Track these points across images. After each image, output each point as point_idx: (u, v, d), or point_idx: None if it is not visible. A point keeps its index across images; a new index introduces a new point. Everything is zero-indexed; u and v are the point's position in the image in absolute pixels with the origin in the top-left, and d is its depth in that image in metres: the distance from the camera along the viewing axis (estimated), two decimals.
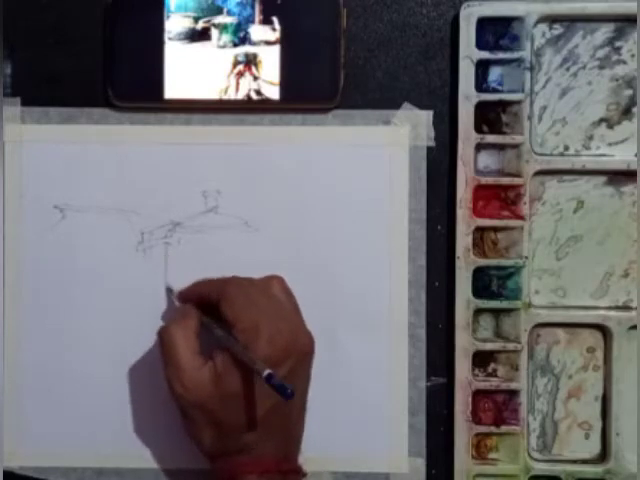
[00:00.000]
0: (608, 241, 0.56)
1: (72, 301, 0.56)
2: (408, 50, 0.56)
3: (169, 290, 0.55)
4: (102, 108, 0.56)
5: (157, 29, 0.55)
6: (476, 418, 0.55)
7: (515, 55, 0.55)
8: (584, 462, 0.56)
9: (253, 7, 0.55)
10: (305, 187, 0.56)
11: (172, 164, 0.56)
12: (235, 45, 0.55)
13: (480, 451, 0.56)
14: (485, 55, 0.54)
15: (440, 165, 0.56)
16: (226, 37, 0.55)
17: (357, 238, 0.56)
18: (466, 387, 0.55)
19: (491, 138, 0.55)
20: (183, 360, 0.50)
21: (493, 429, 0.55)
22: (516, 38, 0.55)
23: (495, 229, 0.56)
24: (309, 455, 0.54)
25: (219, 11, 0.55)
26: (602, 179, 0.56)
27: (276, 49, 0.55)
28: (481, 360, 0.56)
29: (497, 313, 0.56)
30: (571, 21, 0.55)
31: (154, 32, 0.55)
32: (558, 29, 0.56)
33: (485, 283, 0.56)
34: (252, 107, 0.55)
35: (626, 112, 0.56)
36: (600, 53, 0.55)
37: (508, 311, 0.55)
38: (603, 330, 0.56)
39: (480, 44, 0.54)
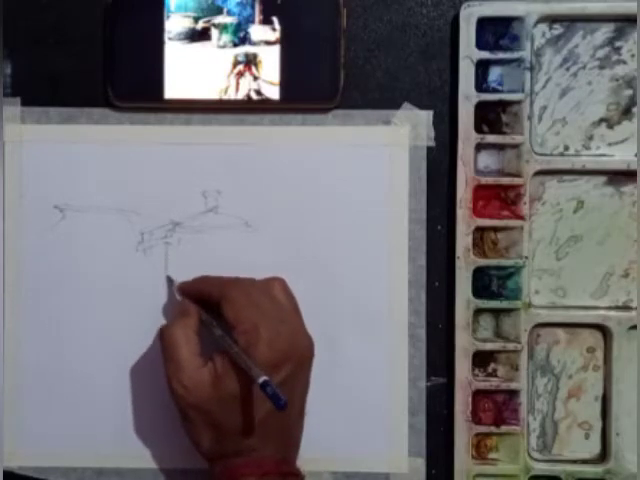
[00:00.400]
0: (608, 241, 0.56)
1: (72, 301, 0.56)
2: (408, 50, 0.56)
3: (169, 280, 0.55)
4: (102, 108, 0.56)
5: (157, 29, 0.55)
6: (476, 418, 0.55)
7: (515, 55, 0.55)
8: (584, 462, 0.56)
9: (253, 7, 0.55)
10: (305, 187, 0.56)
11: (172, 164, 0.56)
12: (235, 45, 0.55)
13: (480, 451, 0.56)
14: (485, 55, 0.54)
15: (440, 165, 0.56)
16: (226, 37, 0.55)
17: (357, 238, 0.56)
18: (466, 387, 0.55)
19: (491, 138, 0.55)
20: (183, 360, 0.50)
21: (493, 429, 0.55)
22: (516, 38, 0.55)
23: (495, 229, 0.56)
24: (309, 455, 0.54)
25: (219, 11, 0.55)
26: (602, 179, 0.56)
27: (276, 49, 0.55)
28: (481, 360, 0.56)
29: (497, 313, 0.56)
30: (571, 21, 0.55)
31: (154, 32, 0.55)
32: (558, 29, 0.56)
33: (485, 283, 0.56)
34: (252, 107, 0.55)
35: (626, 112, 0.56)
36: (600, 53, 0.55)
37: (508, 311, 0.55)
38: (603, 330, 0.56)
39: (480, 44, 0.54)
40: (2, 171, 0.55)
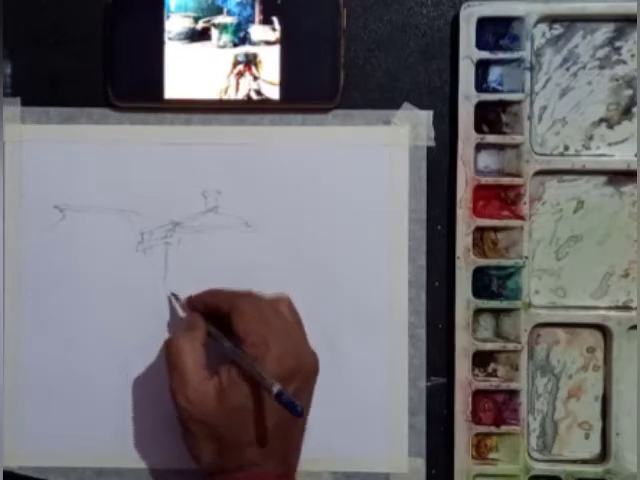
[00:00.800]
0: (608, 241, 0.56)
1: (72, 301, 0.56)
2: (408, 50, 0.56)
3: (174, 297, 0.55)
4: (102, 108, 0.56)
5: (157, 29, 0.55)
6: (476, 418, 0.55)
7: (515, 55, 0.55)
8: (584, 462, 0.56)
9: (253, 7, 0.55)
10: (305, 187, 0.56)
11: (172, 164, 0.56)
12: (235, 45, 0.55)
13: (480, 451, 0.56)
14: (485, 55, 0.54)
15: (440, 165, 0.56)
16: (226, 37, 0.55)
17: (357, 238, 0.56)
18: (466, 387, 0.55)
19: (491, 138, 0.55)
20: (189, 373, 0.49)
21: (493, 429, 0.55)
22: (516, 38, 0.55)
23: (495, 229, 0.56)
24: (309, 455, 0.54)
25: (219, 11, 0.55)
26: (602, 179, 0.56)
27: (276, 49, 0.55)
28: (481, 360, 0.56)
29: (497, 313, 0.56)
30: (571, 21, 0.55)
31: (154, 32, 0.55)
32: (558, 29, 0.56)
33: (485, 283, 0.56)
34: (252, 107, 0.55)
35: (626, 112, 0.56)
36: (600, 53, 0.55)
37: (508, 311, 0.55)
38: (603, 330, 0.56)
39: (480, 44, 0.54)
40: (2, 171, 0.55)
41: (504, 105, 0.55)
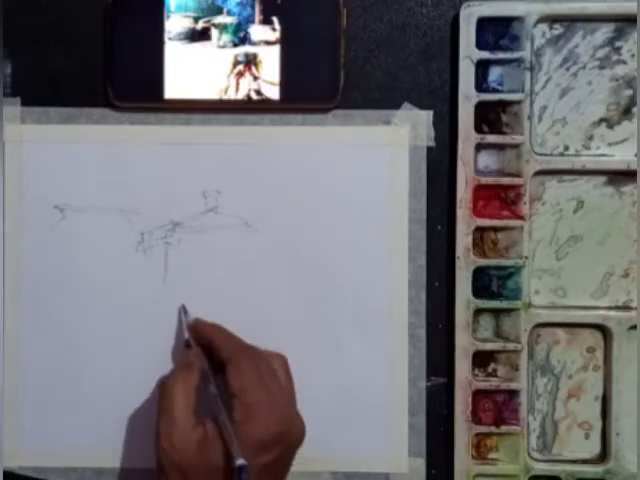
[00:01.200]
0: (608, 241, 0.56)
1: (72, 301, 0.56)
2: (408, 50, 0.56)
3: (184, 310, 0.55)
4: (102, 108, 0.56)
5: (157, 29, 0.55)
6: (476, 418, 0.55)
7: (515, 55, 0.55)
8: (584, 462, 0.56)
9: (253, 7, 0.55)
10: (305, 187, 0.56)
11: (172, 164, 0.56)
12: (235, 45, 0.55)
13: (480, 451, 0.56)
14: (485, 55, 0.54)
15: (440, 165, 0.56)
16: (226, 37, 0.55)
17: (357, 238, 0.56)
18: (466, 387, 0.55)
19: (491, 138, 0.55)
20: (178, 418, 0.48)
21: (493, 429, 0.55)
22: (516, 38, 0.55)
23: (495, 229, 0.56)
24: (309, 455, 0.54)
25: (219, 11, 0.55)
26: (602, 179, 0.56)
27: (276, 49, 0.55)
28: (481, 360, 0.56)
29: (497, 313, 0.56)
30: (571, 21, 0.55)
31: (154, 32, 0.55)
32: (558, 29, 0.56)
33: (485, 283, 0.56)
34: (252, 107, 0.55)
35: (626, 112, 0.56)
36: (600, 53, 0.55)
37: (508, 311, 0.55)
38: (603, 330, 0.56)
39: (480, 44, 0.54)
40: (2, 171, 0.55)
41: (504, 105, 0.55)
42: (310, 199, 0.56)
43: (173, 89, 0.55)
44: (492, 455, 0.56)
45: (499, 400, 0.56)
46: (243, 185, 0.56)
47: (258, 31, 0.55)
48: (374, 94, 0.56)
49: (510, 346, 0.55)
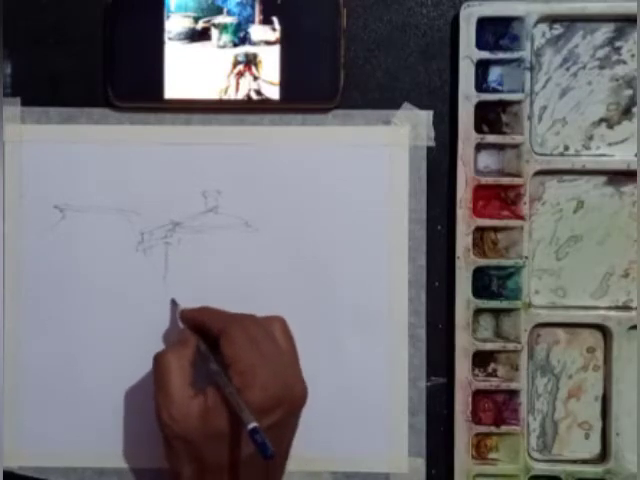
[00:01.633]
0: (608, 241, 0.56)
1: (72, 301, 0.56)
2: (408, 50, 0.56)
3: (174, 303, 0.55)
4: (102, 108, 0.56)
5: (157, 29, 0.55)
6: (476, 418, 0.55)
7: (515, 55, 0.55)
8: (584, 462, 0.56)
9: (253, 7, 0.55)
10: (305, 187, 0.56)
11: (172, 164, 0.56)
12: (235, 45, 0.55)
13: (480, 451, 0.56)
14: (485, 55, 0.54)
15: (440, 165, 0.56)
16: (226, 37, 0.55)
17: (357, 238, 0.56)
18: (466, 387, 0.55)
19: (491, 138, 0.55)
20: (174, 390, 0.49)
21: (493, 429, 0.55)
22: (516, 38, 0.55)
23: (495, 229, 0.56)
24: (309, 455, 0.54)
25: (219, 11, 0.55)
26: (602, 179, 0.56)
27: (276, 49, 0.55)
28: (481, 360, 0.56)
29: (497, 313, 0.56)
30: (571, 21, 0.55)
31: (154, 32, 0.55)
32: (558, 29, 0.56)
33: (485, 283, 0.56)
34: (252, 107, 0.55)
35: (626, 112, 0.56)
36: (600, 53, 0.55)
37: (508, 311, 0.55)
38: (603, 330, 0.56)
39: (480, 44, 0.54)
40: (2, 171, 0.55)
41: (504, 105, 0.55)
42: (310, 199, 0.56)
43: (173, 89, 0.55)
44: (492, 455, 0.56)
45: (499, 400, 0.56)
46: (243, 185, 0.56)
47: (258, 31, 0.55)
48: (374, 94, 0.56)
49: (510, 346, 0.55)
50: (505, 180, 0.55)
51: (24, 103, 0.56)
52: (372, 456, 0.56)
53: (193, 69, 0.55)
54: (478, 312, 0.55)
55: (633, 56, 0.55)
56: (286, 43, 0.55)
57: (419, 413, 0.56)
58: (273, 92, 0.55)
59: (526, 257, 0.55)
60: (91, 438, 0.56)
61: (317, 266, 0.56)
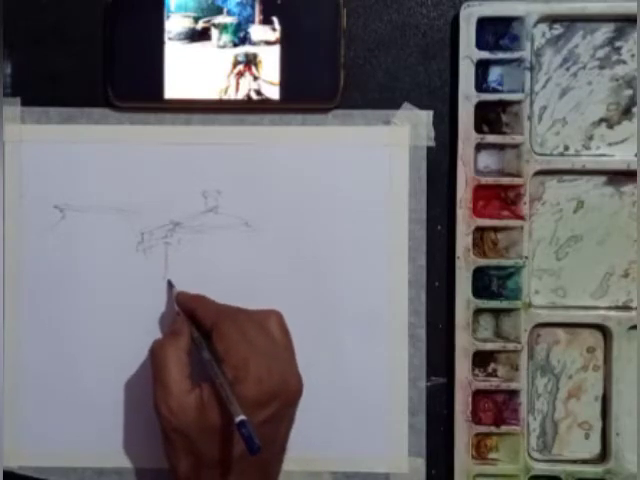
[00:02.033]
0: (608, 241, 0.56)
1: (72, 301, 0.56)
2: (408, 50, 0.56)
3: (170, 285, 0.55)
4: (102, 108, 0.56)
5: (157, 29, 0.55)
6: (476, 418, 0.55)
7: (515, 55, 0.55)
8: (584, 462, 0.56)
9: (253, 7, 0.55)
10: (305, 187, 0.56)
11: (172, 164, 0.56)
12: (235, 45, 0.55)
13: (480, 451, 0.56)
14: (485, 55, 0.54)
15: (440, 165, 0.56)
16: (226, 37, 0.55)
17: (357, 238, 0.56)
18: (466, 387, 0.55)
19: (491, 138, 0.55)
20: (172, 382, 0.49)
21: (493, 429, 0.55)
22: (516, 38, 0.55)
23: (495, 229, 0.56)
24: (309, 455, 0.54)
25: (219, 11, 0.55)
26: (602, 179, 0.56)
27: (276, 49, 0.55)
28: (481, 360, 0.56)
29: (497, 313, 0.56)
30: (571, 21, 0.55)
31: (154, 32, 0.55)
32: (558, 29, 0.56)
33: (485, 283, 0.56)
34: (252, 107, 0.55)
35: (626, 112, 0.56)
36: (600, 53, 0.55)
37: (508, 311, 0.55)
38: (603, 330, 0.56)
39: (480, 44, 0.54)
40: (2, 171, 0.55)
41: (504, 105, 0.55)
42: (310, 199, 0.56)
43: (173, 89, 0.55)
44: (492, 455, 0.56)
45: (499, 400, 0.56)
46: (243, 185, 0.56)
47: (258, 31, 0.55)
48: (374, 94, 0.56)
49: (510, 346, 0.55)
50: (505, 180, 0.55)
51: (24, 103, 0.56)
52: (372, 456, 0.56)
53: (193, 69, 0.55)
54: (478, 312, 0.56)
55: (633, 56, 0.55)
56: (286, 43, 0.55)
57: (419, 413, 0.56)
58: (273, 92, 0.55)
59: (526, 257, 0.55)
60: (91, 438, 0.56)
61: (317, 266, 0.56)
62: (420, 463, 0.56)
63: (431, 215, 0.56)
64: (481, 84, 0.55)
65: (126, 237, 0.56)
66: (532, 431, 0.56)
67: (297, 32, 0.55)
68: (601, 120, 0.56)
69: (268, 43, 0.55)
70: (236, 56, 0.55)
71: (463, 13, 0.54)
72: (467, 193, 0.55)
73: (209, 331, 0.50)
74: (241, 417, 0.45)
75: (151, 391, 0.50)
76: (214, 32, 0.55)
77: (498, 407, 0.56)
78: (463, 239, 0.55)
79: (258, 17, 0.55)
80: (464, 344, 0.55)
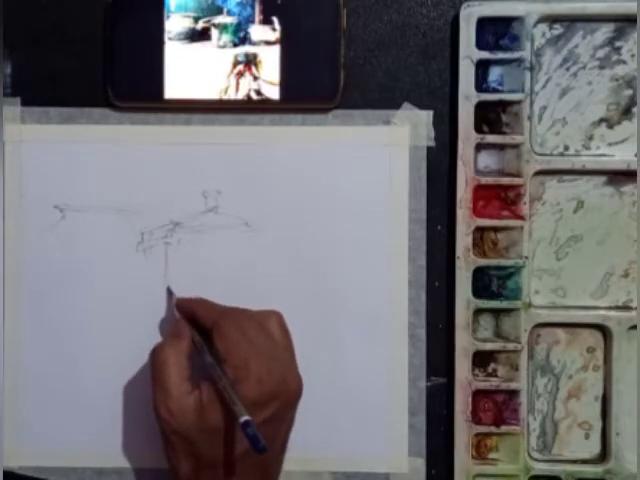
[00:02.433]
0: (608, 241, 0.56)
1: (72, 301, 0.56)
2: (408, 50, 0.56)
3: (169, 292, 0.55)
4: (102, 108, 0.56)
5: (157, 29, 0.55)
6: (476, 418, 0.55)
7: (515, 55, 0.55)
8: (584, 462, 0.56)
9: (253, 7, 0.55)
10: (305, 187, 0.56)
11: (172, 164, 0.56)
12: (235, 45, 0.55)
13: (480, 451, 0.56)
14: (485, 55, 0.54)
15: (440, 165, 0.56)
16: (226, 37, 0.55)
17: (357, 238, 0.56)
18: (466, 387, 0.55)
19: (491, 138, 0.55)
20: (172, 385, 0.49)
21: (493, 429, 0.55)
22: (516, 38, 0.55)
23: (495, 229, 0.56)
24: (309, 455, 0.54)
25: (219, 11, 0.55)
26: (602, 179, 0.56)
27: (276, 49, 0.55)
28: (481, 360, 0.56)
29: (497, 313, 0.56)
30: (571, 21, 0.55)
31: (154, 32, 0.55)
32: (558, 29, 0.56)
33: (485, 283, 0.56)
34: (252, 107, 0.55)
35: (626, 112, 0.56)
36: (600, 53, 0.55)
37: (508, 311, 0.55)
38: (603, 330, 0.56)
39: (480, 44, 0.54)
40: (2, 171, 0.55)
41: (504, 105, 0.55)
42: (310, 199, 0.56)
43: (173, 89, 0.55)
44: (492, 455, 0.56)
45: (499, 400, 0.56)
46: (243, 185, 0.56)
47: (258, 31, 0.55)
48: (374, 94, 0.56)
49: (510, 346, 0.55)
50: (505, 180, 0.55)
51: (24, 103, 0.56)
52: (372, 456, 0.56)
53: (193, 69, 0.55)
54: (478, 312, 0.56)
55: (633, 56, 0.55)
56: (286, 43, 0.55)
57: (419, 413, 0.56)
58: (273, 92, 0.55)
59: (526, 257, 0.55)
60: (91, 438, 0.56)
61: (317, 266, 0.56)
62: (420, 463, 0.56)
63: (431, 215, 0.56)
64: (481, 84, 0.55)
65: (126, 237, 0.56)
66: (532, 431, 0.56)
67: (297, 32, 0.55)
68: (601, 120, 0.56)
69: (268, 43, 0.55)
70: (236, 56, 0.55)
71: (463, 13, 0.54)
72: (467, 193, 0.55)
73: (210, 332, 0.50)
74: (246, 417, 0.45)
75: (151, 391, 0.50)
76: (214, 32, 0.55)
77: (498, 407, 0.56)
78: (463, 239, 0.55)
79: (258, 17, 0.55)
80: (464, 344, 0.55)
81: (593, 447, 0.56)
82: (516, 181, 0.55)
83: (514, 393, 0.55)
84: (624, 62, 0.55)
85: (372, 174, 0.56)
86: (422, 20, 0.56)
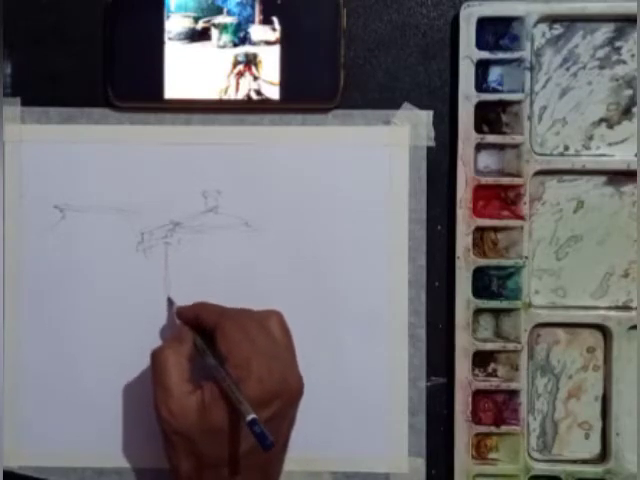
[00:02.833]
0: (608, 241, 0.56)
1: (72, 301, 0.56)
2: (408, 50, 0.56)
3: (170, 302, 0.55)
4: (102, 108, 0.56)
5: (157, 29, 0.55)
6: (476, 418, 0.55)
7: (515, 55, 0.55)
8: (584, 462, 0.56)
9: (253, 7, 0.55)
10: (305, 187, 0.56)
11: (172, 164, 0.56)
12: (235, 45, 0.55)
13: (480, 451, 0.56)
14: (485, 55, 0.54)
15: (440, 165, 0.56)
16: (226, 37, 0.55)
17: (357, 238, 0.56)
18: (466, 387, 0.55)
19: (491, 138, 0.55)
20: (172, 385, 0.49)
21: (493, 429, 0.55)
22: (516, 38, 0.55)
23: (495, 229, 0.56)
24: (309, 455, 0.54)
25: (219, 11, 0.55)
26: (602, 179, 0.56)
27: (276, 49, 0.55)
28: (481, 360, 0.56)
29: (497, 313, 0.56)
30: (571, 21, 0.55)
31: (154, 32, 0.55)
32: (558, 29, 0.56)
33: (485, 283, 0.56)
34: (252, 107, 0.55)
35: (626, 112, 0.56)
36: (600, 53, 0.55)
37: (508, 311, 0.55)
38: (603, 330, 0.56)
39: (480, 44, 0.54)
40: (2, 171, 0.55)
41: (504, 105, 0.55)
42: (310, 199, 0.56)
43: (173, 89, 0.55)
44: (492, 455, 0.56)
45: (499, 400, 0.56)
46: (243, 185, 0.56)
47: (258, 31, 0.55)
48: (374, 94, 0.56)
49: (510, 346, 0.55)
50: (505, 180, 0.55)
51: (24, 103, 0.56)
52: (372, 456, 0.56)
53: (193, 69, 0.55)
54: (478, 312, 0.56)
55: (633, 56, 0.55)
56: (286, 43, 0.55)
57: (419, 413, 0.56)
58: (273, 92, 0.55)
59: (526, 257, 0.55)
60: (91, 438, 0.56)
61: (317, 266, 0.56)
62: (420, 463, 0.56)
63: (431, 215, 0.56)
64: (481, 84, 0.55)
65: (126, 237, 0.56)
66: (532, 431, 0.56)
67: (297, 32, 0.55)
68: (601, 120, 0.56)
69: (268, 43, 0.55)
70: (236, 56, 0.55)
71: (463, 13, 0.54)
72: (467, 193, 0.55)
73: (212, 332, 0.50)
74: (252, 415, 0.45)
75: (151, 391, 0.50)
76: (214, 32, 0.55)
77: (498, 407, 0.56)
78: (463, 239, 0.55)
79: (258, 17, 0.55)
80: (464, 344, 0.55)
81: (593, 447, 0.56)
82: (516, 181, 0.55)
83: (514, 393, 0.55)
84: (624, 62, 0.55)
85: (372, 174, 0.56)
86: (422, 20, 0.56)
